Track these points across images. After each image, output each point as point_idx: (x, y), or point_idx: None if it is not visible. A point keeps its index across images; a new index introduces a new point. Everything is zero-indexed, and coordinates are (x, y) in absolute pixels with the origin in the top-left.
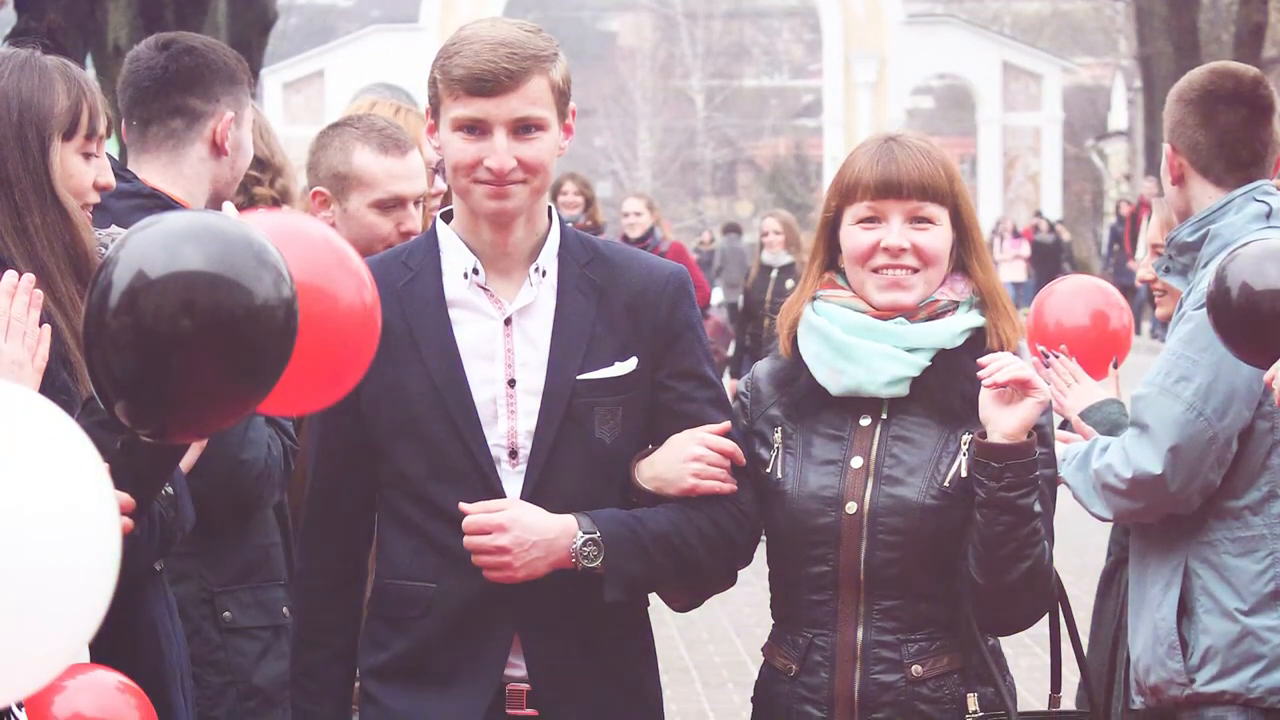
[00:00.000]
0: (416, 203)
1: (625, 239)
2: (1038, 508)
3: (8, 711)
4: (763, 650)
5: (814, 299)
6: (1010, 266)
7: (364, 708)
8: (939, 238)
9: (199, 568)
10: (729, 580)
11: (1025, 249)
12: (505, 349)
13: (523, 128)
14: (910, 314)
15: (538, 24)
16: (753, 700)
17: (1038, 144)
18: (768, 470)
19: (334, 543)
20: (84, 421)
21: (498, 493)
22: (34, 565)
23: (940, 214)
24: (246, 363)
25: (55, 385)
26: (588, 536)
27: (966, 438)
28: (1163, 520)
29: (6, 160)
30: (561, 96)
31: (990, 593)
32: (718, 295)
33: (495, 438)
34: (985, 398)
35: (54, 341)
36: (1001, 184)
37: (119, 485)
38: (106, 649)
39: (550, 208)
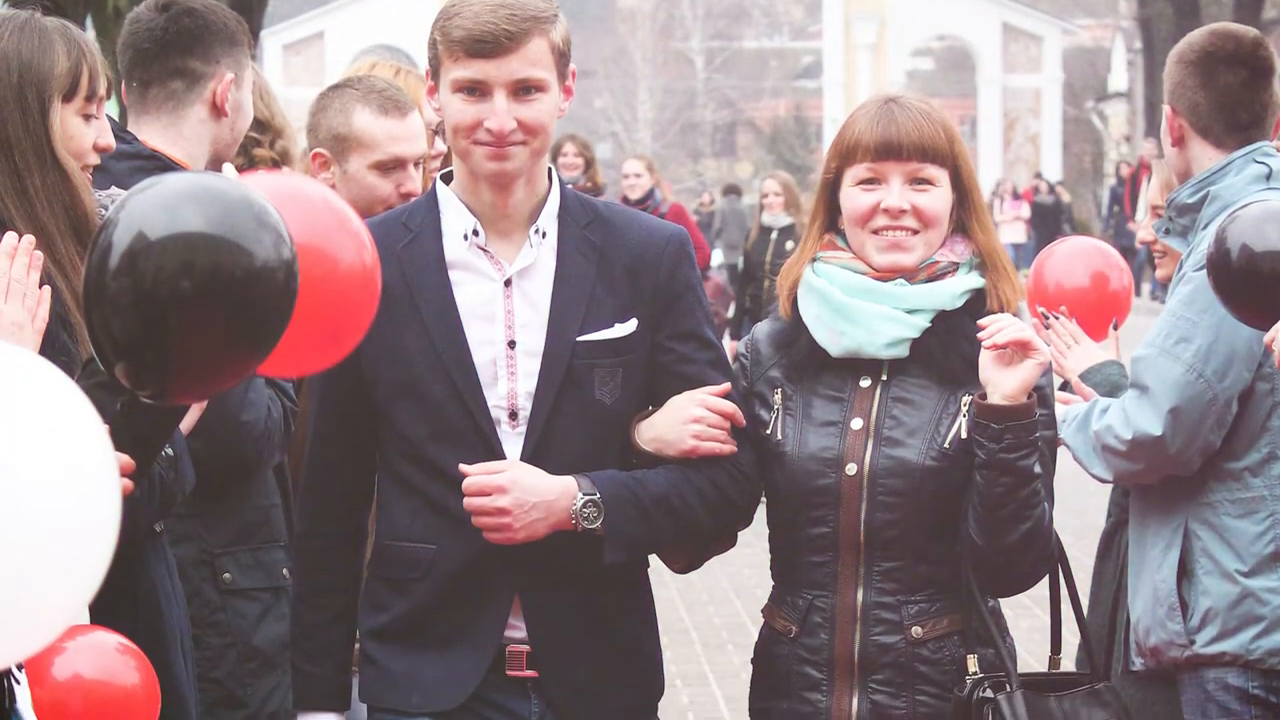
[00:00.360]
0: (416, 164)
1: (625, 200)
2: (1037, 469)
3: (8, 673)
4: (763, 612)
5: (814, 260)
6: (1010, 228)
7: (364, 669)
8: (939, 199)
9: (199, 529)
10: (729, 542)
11: (1025, 210)
12: (505, 310)
13: (523, 89)
14: (910, 275)
15: None
16: (753, 662)
17: (1038, 105)
18: (767, 432)
19: (334, 504)
20: (84, 383)
21: (498, 454)
22: (34, 527)
23: (940, 175)
24: (246, 324)
25: (55, 347)
26: (588, 498)
27: (966, 399)
28: (1163, 482)
29: (6, 122)
30: (561, 58)
31: (990, 554)
32: (718, 257)
33: (495, 399)
34: (985, 359)
35: (54, 303)
36: (1001, 145)
37: (119, 447)
38: (107, 610)
39: (550, 169)
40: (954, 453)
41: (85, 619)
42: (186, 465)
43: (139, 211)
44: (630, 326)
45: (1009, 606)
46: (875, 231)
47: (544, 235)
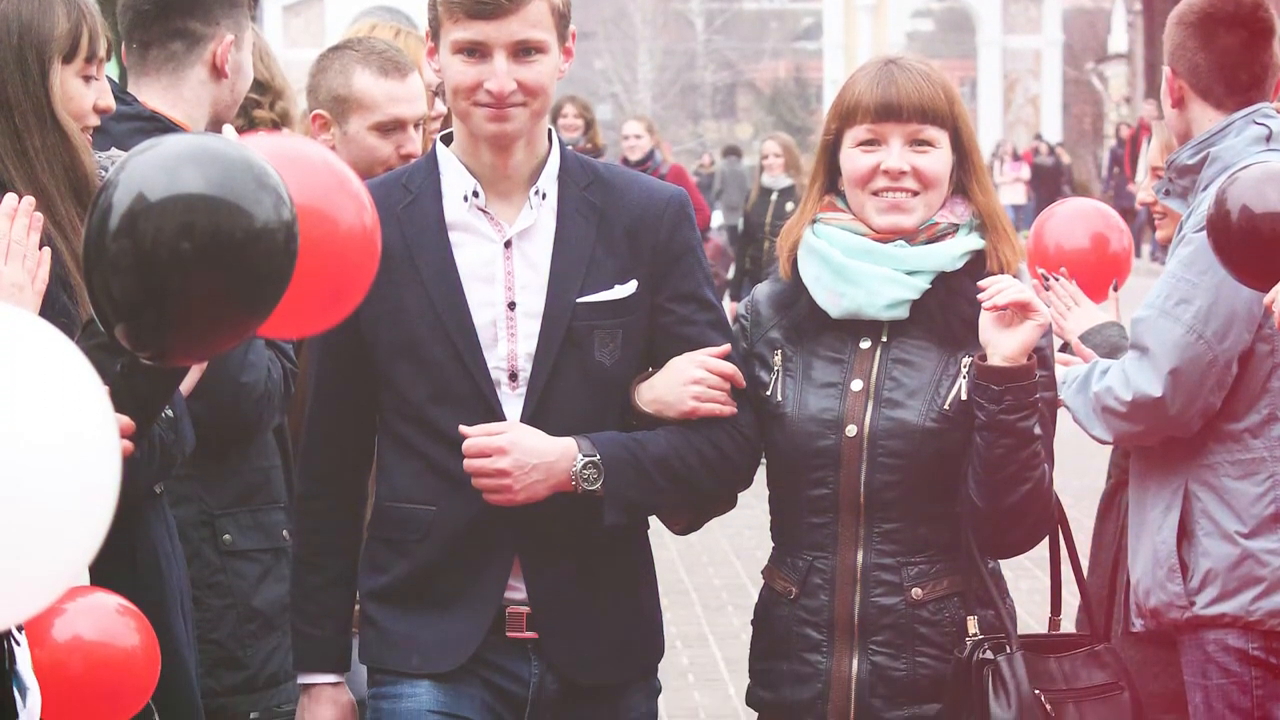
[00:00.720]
0: (416, 125)
1: (625, 162)
2: (1037, 430)
3: (8, 634)
4: (763, 573)
5: (814, 222)
6: (1010, 189)
7: (364, 630)
8: (939, 160)
9: (199, 490)
10: (729, 503)
11: (1025, 172)
12: (505, 272)
13: (523, 50)
14: (910, 237)
15: None
16: (753, 623)
17: (1038, 67)
18: (767, 393)
19: (334, 465)
20: (84, 344)
21: (498, 415)
22: (34, 489)
23: (940, 137)
24: (246, 286)
25: (55, 308)
26: (587, 459)
27: (966, 360)
28: (1163, 443)
29: (6, 83)
30: (561, 19)
31: (990, 515)
32: (717, 218)
33: (495, 360)
34: (985, 320)
35: (54, 264)
36: (1001, 107)
37: (119, 408)
38: (107, 572)
39: (550, 130)
40: (954, 414)
41: (85, 580)
42: (186, 427)
43: (139, 173)
44: (630, 288)
45: (1009, 568)
46: (875, 193)
47: (544, 196)
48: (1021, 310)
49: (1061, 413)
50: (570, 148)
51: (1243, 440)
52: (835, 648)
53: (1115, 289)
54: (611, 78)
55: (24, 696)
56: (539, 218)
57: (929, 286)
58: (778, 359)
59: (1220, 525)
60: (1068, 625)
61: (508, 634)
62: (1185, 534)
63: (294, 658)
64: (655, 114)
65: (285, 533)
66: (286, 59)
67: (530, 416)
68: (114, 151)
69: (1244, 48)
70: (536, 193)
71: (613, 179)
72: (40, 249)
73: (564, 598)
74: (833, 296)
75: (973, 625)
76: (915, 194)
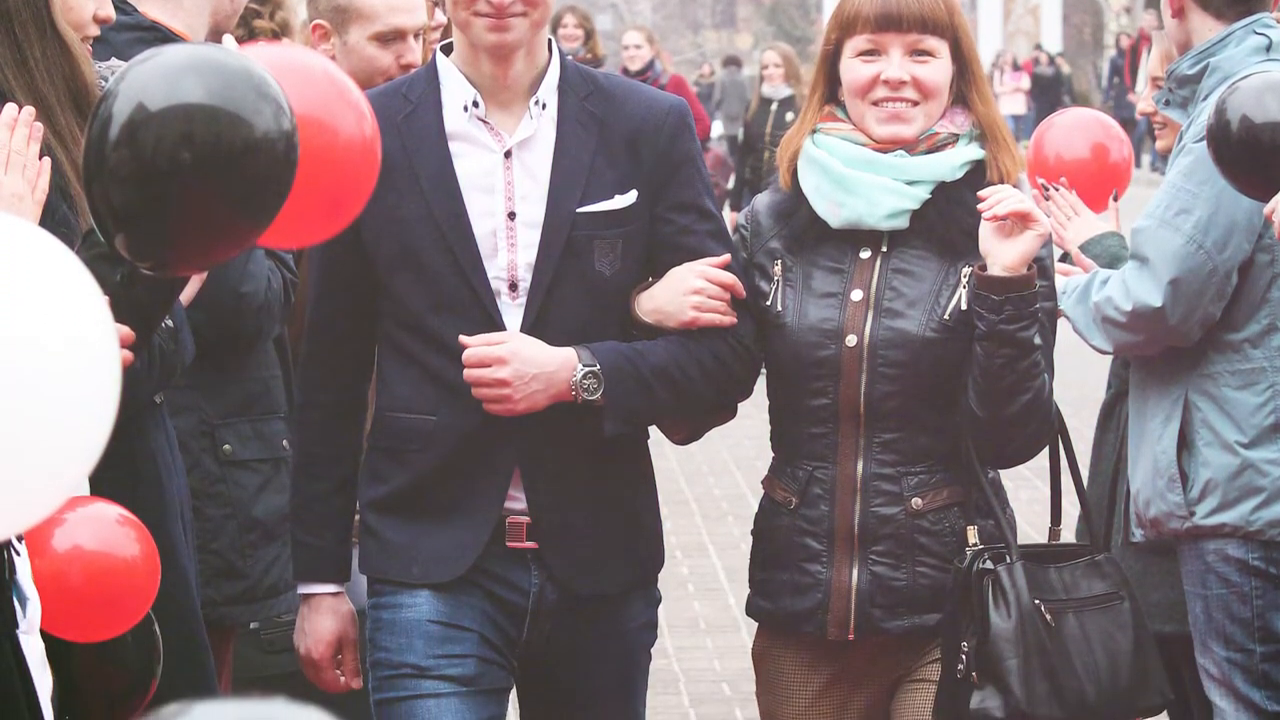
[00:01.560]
0: (416, 35)
1: (625, 72)
2: (1037, 340)
3: (9, 544)
4: (763, 483)
5: (814, 132)
6: (1010, 99)
7: (364, 540)
8: (939, 70)
9: (199, 400)
10: (729, 413)
11: (1025, 82)
12: (505, 182)
13: None
14: (910, 147)
15: None
16: (752, 533)
17: None
18: (767, 303)
19: (333, 375)
20: (84, 254)
21: (498, 325)
22: (34, 398)
23: (940, 47)
24: (246, 195)
25: (55, 218)
26: (588, 369)
27: (966, 270)
28: (1163, 353)
29: None
30: None
31: (990, 425)
32: (718, 128)
33: (495, 270)
34: (985, 230)
35: (54, 174)
36: (1001, 17)
37: (119, 318)
38: (106, 482)
39: (550, 41)
40: (954, 324)
41: (85, 490)
42: (186, 336)
43: (139, 83)
44: (630, 198)
45: (1009, 478)
46: (875, 103)
47: (544, 107)
48: (1021, 220)
49: (1061, 322)
50: (570, 58)
51: (1243, 350)
52: (835, 558)
53: (1115, 199)
54: None
55: (24, 606)
56: (539, 128)
57: (929, 196)
58: (778, 269)
59: (1220, 435)
60: (1068, 535)
61: (508, 544)
62: (1185, 444)
63: (294, 567)
64: (655, 24)
65: (285, 442)
66: None
67: (530, 326)
68: (114, 61)
69: None
70: (536, 103)
71: (613, 89)
72: (40, 159)
73: (564, 508)
74: (832, 206)
75: (973, 535)
76: (915, 104)
